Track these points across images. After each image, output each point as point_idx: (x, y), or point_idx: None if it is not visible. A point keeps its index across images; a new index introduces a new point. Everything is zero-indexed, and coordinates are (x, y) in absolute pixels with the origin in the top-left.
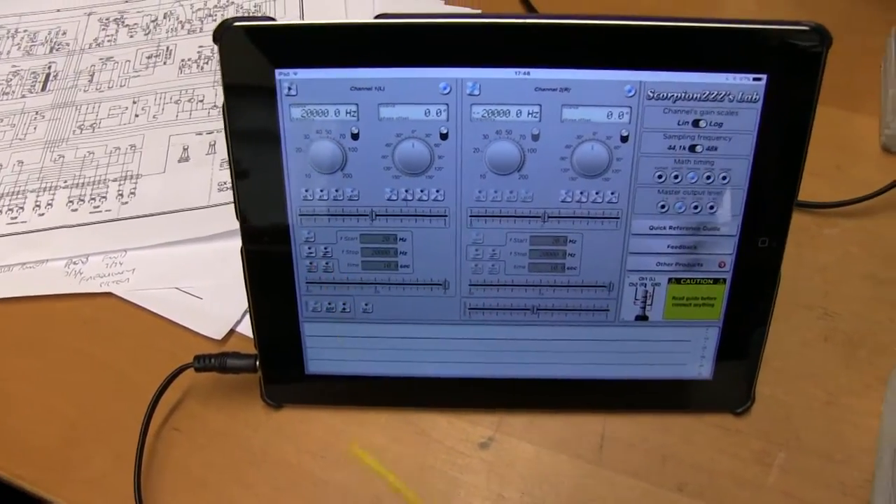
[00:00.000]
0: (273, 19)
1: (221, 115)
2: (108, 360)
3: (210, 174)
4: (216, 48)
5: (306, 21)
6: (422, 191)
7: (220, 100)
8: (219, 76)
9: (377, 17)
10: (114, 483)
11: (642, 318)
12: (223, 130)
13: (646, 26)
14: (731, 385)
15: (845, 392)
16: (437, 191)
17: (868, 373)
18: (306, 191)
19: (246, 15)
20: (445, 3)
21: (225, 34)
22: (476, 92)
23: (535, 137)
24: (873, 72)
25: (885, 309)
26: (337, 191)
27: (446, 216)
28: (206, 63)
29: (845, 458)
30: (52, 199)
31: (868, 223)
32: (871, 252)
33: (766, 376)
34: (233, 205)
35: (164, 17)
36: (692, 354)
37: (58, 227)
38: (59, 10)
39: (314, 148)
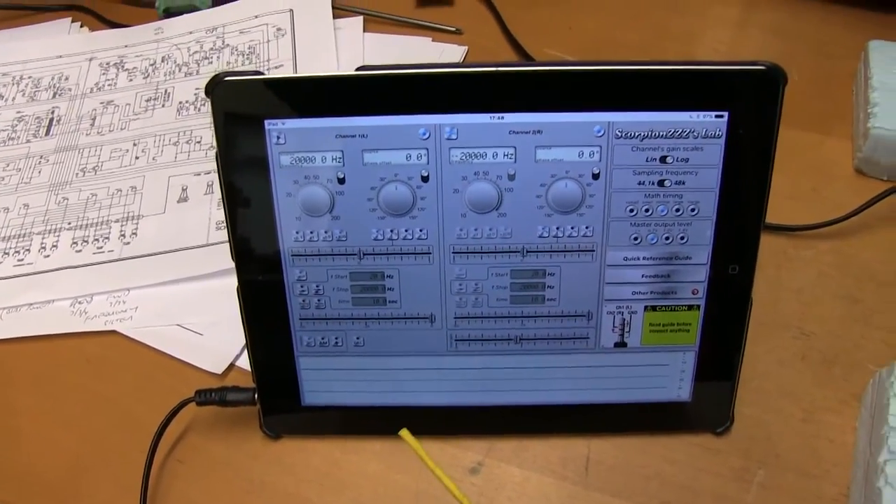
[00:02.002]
0: (262, 73)
1: (215, 163)
2: (113, 396)
3: (208, 213)
4: (208, 101)
5: (293, 75)
6: (406, 230)
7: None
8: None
9: (359, 69)
10: None
11: (621, 344)
12: (217, 175)
13: (612, 70)
14: (710, 406)
15: (821, 409)
16: (421, 230)
17: (843, 389)
18: (297, 232)
19: (237, 69)
20: (432, 42)
21: (216, 88)
22: (454, 136)
23: (511, 177)
24: (846, 96)
25: (858, 327)
26: (326, 232)
27: (430, 253)
28: (203, 105)
29: (821, 473)
30: (57, 241)
31: (842, 244)
32: (844, 272)
33: (744, 396)
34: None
35: (162, 61)
36: (671, 378)
37: (63, 269)
38: (60, 56)
39: (303, 192)
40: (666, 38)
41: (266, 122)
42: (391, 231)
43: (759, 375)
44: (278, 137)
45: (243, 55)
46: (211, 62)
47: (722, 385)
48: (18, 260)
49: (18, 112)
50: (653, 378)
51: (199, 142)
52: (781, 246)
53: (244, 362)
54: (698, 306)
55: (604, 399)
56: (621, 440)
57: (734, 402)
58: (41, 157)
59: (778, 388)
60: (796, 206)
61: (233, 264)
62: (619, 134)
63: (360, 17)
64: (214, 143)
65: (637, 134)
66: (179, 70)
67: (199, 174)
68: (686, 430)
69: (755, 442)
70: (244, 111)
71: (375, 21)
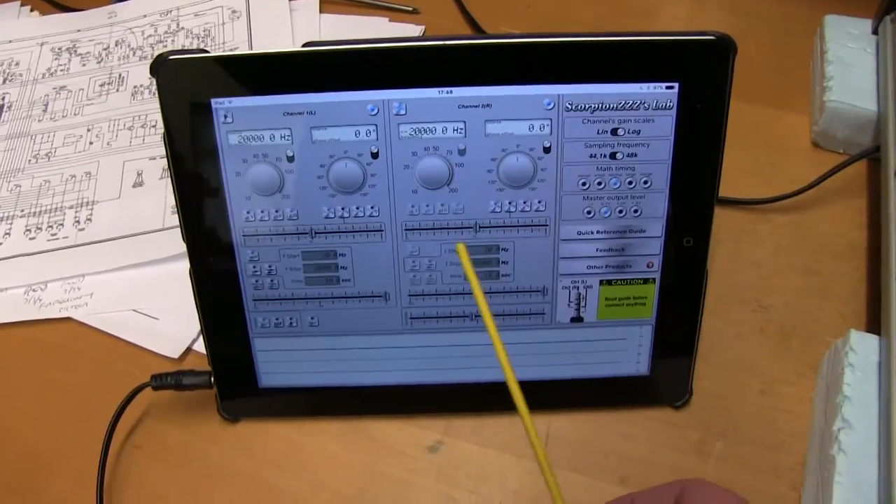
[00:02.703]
0: (206, 51)
1: (163, 144)
2: (68, 384)
3: (164, 198)
4: (153, 80)
5: (237, 52)
6: (357, 208)
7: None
8: None
9: (304, 45)
10: (77, 503)
11: (577, 319)
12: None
13: (560, 42)
14: (668, 380)
15: (779, 381)
16: (372, 207)
17: (800, 361)
18: (248, 212)
19: (187, 48)
20: (389, 22)
21: (161, 67)
22: (402, 112)
23: (462, 152)
24: (803, 72)
25: (815, 300)
26: (277, 211)
27: (382, 231)
28: None
29: (779, 443)
30: (10, 229)
31: (799, 218)
32: (801, 245)
33: (703, 369)
34: None
35: (116, 45)
36: (628, 352)
37: (16, 256)
38: (10, 42)
39: (252, 171)
40: (623, 15)
41: (213, 100)
42: (342, 209)
43: (718, 349)
44: (225, 116)
45: (198, 38)
46: (165, 45)
47: (680, 359)
48: None
49: None
50: (610, 353)
51: (154, 126)
52: (739, 220)
53: (200, 346)
54: (654, 279)
55: (562, 375)
56: (580, 416)
57: (692, 376)
58: None
59: (736, 361)
60: (754, 180)
61: None
62: (570, 106)
63: None
64: (161, 124)
65: (587, 106)
66: (134, 54)
67: (154, 158)
68: (645, 404)
69: (714, 415)
70: (190, 90)
71: (332, 2)
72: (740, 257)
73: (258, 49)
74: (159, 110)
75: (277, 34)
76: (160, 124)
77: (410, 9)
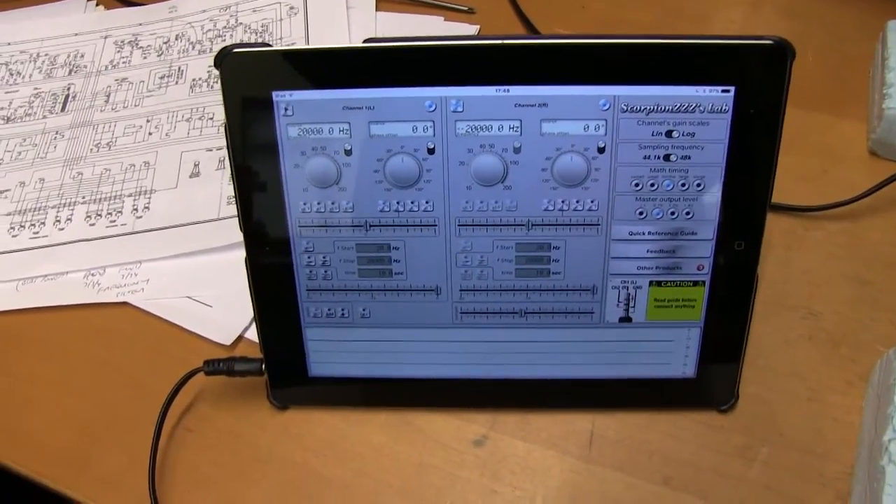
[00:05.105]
0: (269, 45)
1: (224, 136)
2: (123, 366)
3: (220, 188)
4: (217, 72)
5: (300, 47)
6: (412, 202)
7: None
8: None
9: (366, 41)
10: (128, 480)
11: (626, 319)
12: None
13: (618, 44)
14: (715, 383)
15: (827, 389)
16: (427, 202)
17: (850, 370)
18: (304, 204)
19: (247, 42)
20: (445, 21)
21: (225, 60)
22: (460, 109)
23: (517, 150)
24: (861, 78)
25: (866, 309)
26: (333, 203)
27: (436, 226)
28: (216, 82)
29: (825, 451)
30: (72, 215)
31: (852, 226)
32: (854, 254)
33: (750, 374)
34: None
35: (176, 39)
36: (676, 354)
37: (77, 241)
38: (76, 35)
39: (310, 164)
40: (678, 18)
41: (274, 93)
42: (397, 203)
43: (766, 354)
44: (286, 109)
45: (256, 33)
46: (224, 40)
47: (727, 362)
48: (34, 233)
49: (35, 89)
50: (657, 354)
51: (211, 118)
52: (791, 226)
53: (253, 334)
54: (703, 282)
55: (608, 374)
56: (625, 415)
57: (739, 380)
58: (57, 133)
59: (784, 367)
60: (808, 186)
61: (242, 238)
62: (625, 108)
63: None
64: (223, 115)
65: (643, 108)
66: (193, 48)
67: (210, 150)
68: (690, 407)
69: (759, 420)
70: (252, 83)
71: (388, 0)
72: (791, 264)
73: (319, 44)
74: (221, 102)
75: (334, 31)
76: (218, 116)
77: (466, 8)
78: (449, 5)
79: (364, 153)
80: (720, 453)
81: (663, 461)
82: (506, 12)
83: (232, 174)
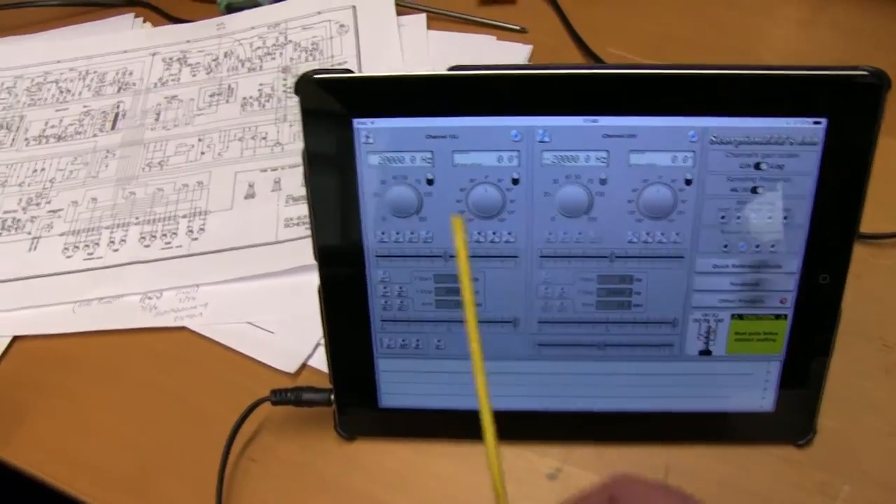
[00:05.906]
0: (351, 72)
1: (302, 162)
2: (182, 392)
3: (276, 210)
4: (297, 99)
5: (383, 73)
6: (494, 233)
7: (294, 144)
8: (280, 113)
9: (451, 68)
10: None
11: (706, 352)
12: (302, 177)
13: (708, 75)
14: (792, 417)
15: None
16: (509, 233)
17: None
18: (382, 233)
19: (323, 67)
20: (497, 41)
21: (305, 87)
22: (546, 139)
23: (603, 182)
24: None
25: None
26: (412, 233)
27: (517, 257)
28: (268, 101)
29: None
30: (126, 236)
31: None
32: None
33: (827, 408)
34: (300, 241)
35: (225, 56)
36: (754, 388)
37: (132, 263)
38: (125, 52)
39: (390, 193)
40: (726, 34)
41: (355, 121)
42: (479, 233)
43: (841, 387)
44: (367, 137)
45: (306, 51)
46: (274, 58)
47: (806, 396)
48: (88, 254)
49: (85, 106)
50: (736, 388)
51: (264, 138)
52: (861, 254)
53: (316, 362)
54: (786, 316)
55: (685, 408)
56: (701, 449)
57: (818, 415)
58: (108, 152)
59: (861, 400)
60: (877, 212)
61: (304, 262)
62: (714, 139)
63: (424, 15)
64: (302, 141)
65: (732, 140)
66: (242, 65)
67: (265, 170)
68: (767, 441)
69: (839, 455)
70: (332, 110)
71: (438, 18)
72: (862, 293)
73: (399, 70)
74: (301, 128)
75: (386, 50)
76: (270, 136)
77: (518, 27)
78: (501, 24)
79: (447, 183)
80: (799, 488)
81: (740, 496)
82: (558, 31)
83: (308, 201)
